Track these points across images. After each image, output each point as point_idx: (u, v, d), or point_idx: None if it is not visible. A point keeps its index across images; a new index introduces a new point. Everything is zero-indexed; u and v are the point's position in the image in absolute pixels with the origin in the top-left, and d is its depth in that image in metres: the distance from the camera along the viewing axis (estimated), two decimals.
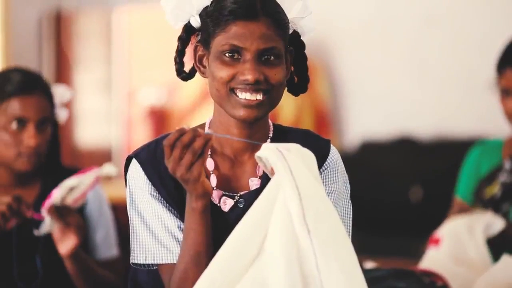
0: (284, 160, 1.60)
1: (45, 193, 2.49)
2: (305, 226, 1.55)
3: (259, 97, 1.75)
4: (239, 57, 1.75)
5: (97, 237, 2.57)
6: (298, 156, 1.62)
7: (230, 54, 1.75)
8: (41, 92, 2.48)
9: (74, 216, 2.33)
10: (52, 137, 2.55)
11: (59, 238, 2.34)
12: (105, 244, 2.58)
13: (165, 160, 1.66)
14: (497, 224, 2.71)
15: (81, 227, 2.35)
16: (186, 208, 1.71)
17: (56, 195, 2.31)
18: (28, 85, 2.46)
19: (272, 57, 1.75)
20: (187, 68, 1.87)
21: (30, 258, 2.44)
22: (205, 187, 1.68)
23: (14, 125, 2.43)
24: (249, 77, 1.73)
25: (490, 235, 2.70)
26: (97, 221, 2.57)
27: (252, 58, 1.74)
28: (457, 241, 2.70)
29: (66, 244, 2.35)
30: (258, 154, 1.63)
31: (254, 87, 1.74)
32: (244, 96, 1.75)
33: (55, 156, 2.58)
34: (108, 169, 2.35)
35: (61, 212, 2.32)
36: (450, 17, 5.40)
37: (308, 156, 1.64)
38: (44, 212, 2.30)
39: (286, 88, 1.84)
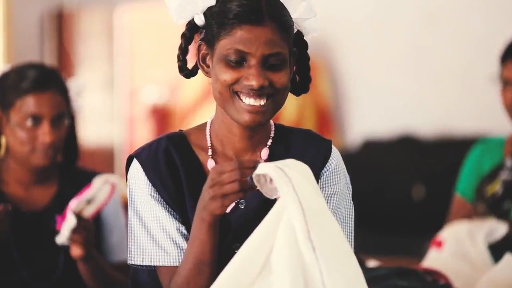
0: (285, 177, 1.58)
1: (62, 193, 2.51)
2: (310, 243, 1.53)
3: (263, 102, 1.74)
4: (244, 61, 1.73)
5: (112, 240, 2.57)
6: (298, 171, 1.60)
7: (234, 59, 1.74)
8: (56, 88, 2.48)
9: (84, 231, 2.32)
10: (69, 131, 2.56)
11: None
12: (119, 248, 2.58)
13: (220, 167, 1.63)
14: (500, 229, 2.70)
15: (88, 242, 2.34)
16: (195, 216, 1.69)
17: (73, 206, 2.31)
18: (42, 82, 2.45)
19: (277, 62, 1.74)
20: (189, 65, 1.86)
21: (48, 256, 2.45)
22: (223, 211, 1.66)
23: (29, 123, 2.43)
24: (254, 83, 1.71)
25: (492, 240, 2.69)
26: (113, 224, 2.57)
27: (257, 63, 1.72)
28: (459, 245, 2.69)
29: (74, 250, 2.35)
30: (257, 172, 1.60)
31: (258, 92, 1.73)
32: (248, 101, 1.73)
33: (73, 151, 2.59)
34: (118, 181, 2.37)
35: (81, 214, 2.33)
36: (451, 15, 5.40)
37: (306, 170, 1.62)
38: (69, 215, 2.31)
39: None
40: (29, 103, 2.43)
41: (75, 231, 2.30)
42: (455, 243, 2.70)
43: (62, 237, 2.32)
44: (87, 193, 2.32)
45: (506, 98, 2.90)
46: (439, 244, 2.75)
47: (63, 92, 2.50)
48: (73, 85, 2.57)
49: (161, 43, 5.88)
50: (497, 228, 2.70)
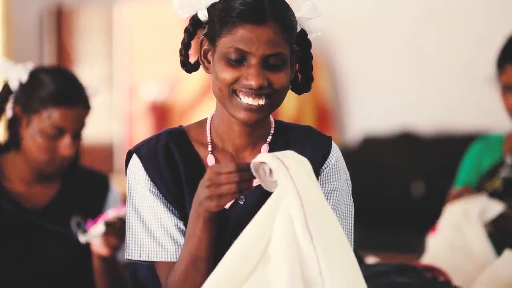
0: (284, 167, 1.58)
1: (64, 192, 2.52)
2: (308, 232, 1.54)
3: (261, 102, 1.74)
4: (244, 60, 1.73)
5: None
6: (296, 161, 1.61)
7: (235, 57, 1.73)
8: (82, 104, 2.49)
9: (113, 238, 2.36)
10: None
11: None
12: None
13: (217, 167, 1.63)
14: (494, 208, 2.69)
15: (115, 247, 2.37)
16: (191, 212, 1.70)
17: (106, 217, 2.36)
18: (71, 97, 2.46)
19: (277, 62, 1.73)
20: (191, 60, 1.86)
21: (47, 253, 2.47)
22: (219, 209, 1.67)
23: (51, 132, 2.44)
24: (253, 82, 1.72)
25: (488, 219, 2.69)
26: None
27: (257, 63, 1.72)
28: (454, 227, 2.69)
29: (101, 249, 2.37)
30: (255, 160, 1.61)
31: (257, 92, 1.73)
32: (247, 100, 1.74)
33: (77, 155, 2.59)
34: None
35: (114, 224, 2.36)
36: (450, 12, 5.40)
37: (305, 162, 1.63)
38: (100, 222, 2.36)
39: (289, 86, 1.83)
40: (55, 115, 2.43)
41: (105, 234, 2.34)
42: (450, 226, 2.70)
43: (86, 237, 2.37)
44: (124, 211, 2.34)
45: (507, 103, 2.89)
46: (435, 229, 2.77)
47: (87, 108, 2.52)
48: (90, 89, 2.57)
49: (160, 40, 5.88)
50: (490, 207, 2.70)
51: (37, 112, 2.44)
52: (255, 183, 1.73)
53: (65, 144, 2.45)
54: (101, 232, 2.34)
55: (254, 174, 1.62)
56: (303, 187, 1.57)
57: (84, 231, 2.41)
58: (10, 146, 2.52)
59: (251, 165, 1.61)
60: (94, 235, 2.35)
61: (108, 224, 2.34)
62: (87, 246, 2.43)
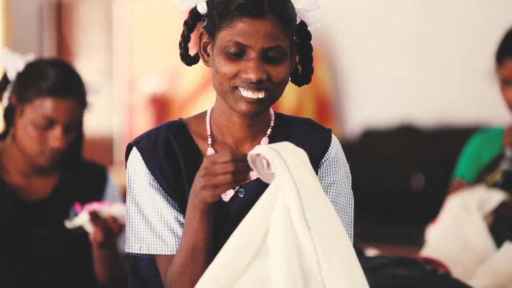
0: (280, 158, 1.58)
1: (63, 184, 2.52)
2: (305, 223, 1.54)
3: (261, 95, 1.74)
4: (243, 54, 1.73)
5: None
6: (293, 152, 1.61)
7: (234, 51, 1.73)
8: (77, 97, 2.47)
9: (101, 229, 2.32)
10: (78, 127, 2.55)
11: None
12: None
13: (213, 157, 1.63)
14: (493, 197, 2.70)
15: (103, 244, 2.34)
16: (188, 204, 1.70)
17: (90, 208, 2.33)
18: (65, 88, 2.45)
19: (276, 55, 1.73)
20: (191, 52, 1.86)
21: (46, 245, 2.47)
22: (214, 200, 1.67)
23: (43, 123, 2.43)
24: (252, 76, 1.72)
25: (488, 210, 2.69)
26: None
27: (256, 56, 1.72)
28: (454, 220, 2.70)
29: (94, 236, 2.36)
30: (251, 152, 1.61)
31: (256, 85, 1.73)
32: (246, 94, 1.73)
33: (78, 147, 2.59)
34: None
35: (104, 223, 2.32)
36: (449, 3, 5.39)
37: (302, 154, 1.63)
38: (84, 211, 2.32)
39: (289, 79, 1.83)
40: (47, 106, 2.42)
41: (95, 228, 2.31)
42: (450, 217, 2.71)
43: (70, 225, 2.34)
44: (114, 209, 2.31)
45: (507, 97, 2.89)
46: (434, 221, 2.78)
47: (83, 101, 2.50)
48: (91, 87, 2.56)
49: (160, 32, 5.87)
50: (490, 198, 2.70)
51: (29, 101, 2.43)
52: (254, 175, 1.74)
53: (54, 135, 2.43)
54: (85, 221, 2.31)
55: (252, 166, 1.62)
56: (300, 178, 1.57)
57: (76, 215, 2.39)
58: (6, 137, 2.52)
59: (248, 158, 1.61)
60: (77, 223, 2.33)
61: (95, 216, 2.31)
62: (87, 236, 2.42)
